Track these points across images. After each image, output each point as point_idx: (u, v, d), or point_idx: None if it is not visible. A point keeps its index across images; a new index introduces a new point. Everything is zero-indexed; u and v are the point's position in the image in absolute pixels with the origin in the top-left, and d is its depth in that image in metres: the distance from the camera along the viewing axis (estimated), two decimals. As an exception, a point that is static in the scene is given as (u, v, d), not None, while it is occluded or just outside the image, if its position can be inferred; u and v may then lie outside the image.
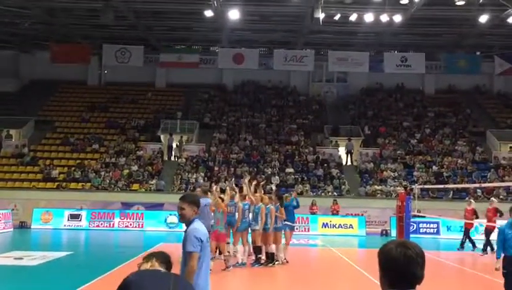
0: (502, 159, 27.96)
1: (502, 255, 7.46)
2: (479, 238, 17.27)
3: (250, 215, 12.62)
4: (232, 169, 26.62)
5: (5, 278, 10.98)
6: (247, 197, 12.61)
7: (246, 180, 13.46)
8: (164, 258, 3.61)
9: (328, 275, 12.31)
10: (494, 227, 15.84)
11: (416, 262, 2.27)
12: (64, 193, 24.69)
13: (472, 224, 16.88)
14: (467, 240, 16.82)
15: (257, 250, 12.54)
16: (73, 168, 26.51)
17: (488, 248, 15.49)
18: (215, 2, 23.26)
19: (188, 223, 4.67)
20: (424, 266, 2.28)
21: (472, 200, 17.97)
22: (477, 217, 16.71)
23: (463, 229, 17.30)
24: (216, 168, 26.70)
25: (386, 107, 33.15)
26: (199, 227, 4.63)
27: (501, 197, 25.18)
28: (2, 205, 21.71)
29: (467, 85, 34.08)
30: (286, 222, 13.28)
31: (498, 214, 16.03)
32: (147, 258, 3.65)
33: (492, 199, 18.22)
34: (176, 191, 23.99)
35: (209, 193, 12.25)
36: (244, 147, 28.82)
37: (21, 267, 12.02)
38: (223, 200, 11.84)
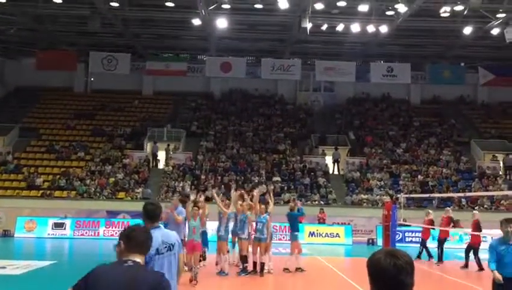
0: (486, 169, 28.31)
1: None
2: (433, 246, 17.16)
3: (232, 223, 12.77)
4: (219, 177, 26.56)
5: (-14, 288, 10.77)
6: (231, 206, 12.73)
7: (233, 190, 13.51)
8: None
9: (315, 284, 12.29)
10: (446, 236, 16.35)
11: (405, 271, 2.27)
12: (49, 201, 24.36)
13: (446, 233, 16.54)
14: (424, 249, 16.64)
15: (243, 259, 12.50)
16: (58, 176, 26.21)
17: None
18: (203, 11, 23.31)
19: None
20: (413, 274, 2.29)
21: (449, 208, 17.89)
22: (454, 226, 16.55)
23: (437, 239, 16.82)
24: (203, 177, 26.61)
25: (372, 116, 33.43)
26: None
27: (485, 206, 25.49)
28: (-15, 213, 21.35)
29: (451, 95, 34.55)
30: (296, 233, 13.44)
31: (451, 224, 16.14)
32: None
33: (448, 208, 17.98)
34: (162, 200, 23.82)
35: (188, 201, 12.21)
36: (231, 155, 28.79)
37: (4, 277, 11.81)
38: (199, 208, 11.72)
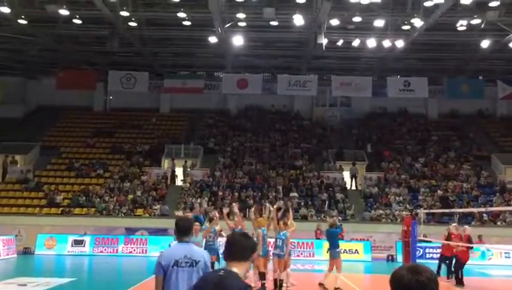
0: (508, 183, 27.80)
1: None
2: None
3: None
4: (237, 193, 26.57)
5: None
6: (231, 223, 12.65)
7: (235, 209, 13.37)
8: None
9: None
10: (467, 257, 14.87)
11: (430, 287, 2.25)
12: (69, 219, 24.64)
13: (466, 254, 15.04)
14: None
15: (261, 276, 12.41)
16: (77, 194, 26.51)
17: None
18: (219, 29, 23.60)
19: None
20: (437, 289, 2.27)
21: (467, 226, 16.47)
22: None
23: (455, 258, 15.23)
24: (220, 193, 26.65)
25: (390, 131, 33.21)
26: (166, 251, 5.06)
27: (507, 221, 24.99)
28: (6, 231, 21.66)
29: (470, 109, 34.18)
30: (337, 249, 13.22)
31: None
32: None
33: (466, 226, 16.55)
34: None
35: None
36: (248, 171, 28.81)
37: (24, 294, 11.92)
38: (201, 223, 11.86)
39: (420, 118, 34.54)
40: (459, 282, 14.14)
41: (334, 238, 13.37)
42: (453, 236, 15.43)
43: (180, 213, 14.21)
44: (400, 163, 29.94)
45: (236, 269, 3.13)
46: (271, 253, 12.60)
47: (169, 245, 21.66)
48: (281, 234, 12.37)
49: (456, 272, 14.48)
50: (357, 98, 33.25)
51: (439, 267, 15.53)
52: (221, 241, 13.68)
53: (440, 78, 32.81)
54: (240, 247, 3.21)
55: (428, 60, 30.62)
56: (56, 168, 29.29)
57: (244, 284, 3.08)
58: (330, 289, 12.79)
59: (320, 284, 12.79)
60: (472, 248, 14.59)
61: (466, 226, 16.18)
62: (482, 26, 22.73)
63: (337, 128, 33.95)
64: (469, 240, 15.16)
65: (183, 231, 4.85)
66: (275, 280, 12.31)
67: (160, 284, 4.61)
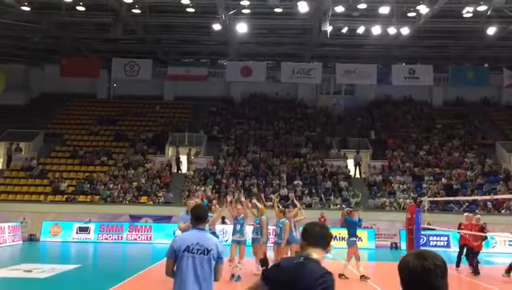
0: (512, 171, 27.72)
1: None
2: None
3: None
4: (240, 181, 26.60)
5: (14, 291, 10.98)
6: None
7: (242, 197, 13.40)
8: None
9: (339, 289, 12.17)
10: (479, 246, 14.63)
11: (435, 273, 2.22)
12: (73, 206, 24.75)
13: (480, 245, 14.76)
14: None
15: (262, 262, 12.42)
16: (82, 181, 26.60)
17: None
18: (223, 16, 23.45)
19: None
20: (445, 276, 2.24)
21: (479, 216, 15.93)
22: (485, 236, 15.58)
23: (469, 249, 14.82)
24: (224, 181, 26.69)
25: (394, 119, 33.09)
26: (180, 235, 5.09)
27: (512, 209, 24.97)
28: (11, 218, 21.79)
29: (475, 97, 33.99)
30: (353, 238, 13.19)
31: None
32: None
33: (478, 216, 15.87)
34: (184, 204, 23.95)
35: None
36: (252, 159, 28.82)
37: (30, 280, 12.03)
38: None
39: (425, 105, 34.38)
40: (475, 271, 14.05)
41: (349, 227, 13.43)
42: (462, 226, 15.42)
43: (194, 201, 14.15)
44: (404, 151, 29.87)
45: (316, 255, 3.16)
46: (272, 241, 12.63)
47: (174, 232, 21.81)
48: (280, 222, 12.40)
49: (471, 261, 14.41)
50: (362, 86, 33.12)
51: (459, 258, 15.11)
52: (225, 229, 13.70)
53: (445, 65, 32.62)
54: (320, 235, 3.27)
55: (433, 48, 30.40)
56: (60, 156, 29.36)
57: (325, 270, 3.08)
58: (350, 278, 12.59)
59: (341, 275, 12.54)
60: (486, 238, 14.50)
61: (478, 215, 15.97)
62: (488, 13, 22.53)
63: (341, 116, 33.85)
64: (481, 229, 14.87)
65: (198, 218, 4.89)
66: None
67: (170, 266, 4.70)
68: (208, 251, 4.64)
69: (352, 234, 13.31)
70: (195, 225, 4.85)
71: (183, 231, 10.34)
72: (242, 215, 12.19)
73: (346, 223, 13.72)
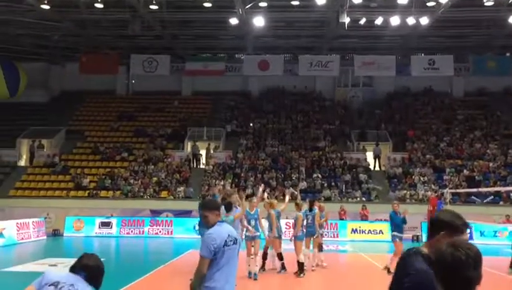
0: (536, 162, 27.19)
1: None
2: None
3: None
4: (259, 175, 26.65)
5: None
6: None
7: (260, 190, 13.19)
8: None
9: (361, 281, 12.16)
10: None
11: (467, 264, 2.17)
12: (95, 201, 25.11)
13: None
14: None
15: (279, 256, 12.38)
16: (103, 177, 26.95)
17: None
18: (240, 10, 23.42)
19: (210, 227, 4.79)
20: (477, 266, 2.19)
21: None
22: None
23: None
24: (243, 175, 26.77)
25: (414, 111, 32.71)
26: (214, 231, 4.66)
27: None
28: (36, 214, 22.21)
29: (497, 87, 33.35)
30: (394, 233, 12.83)
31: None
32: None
33: None
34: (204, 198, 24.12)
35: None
36: (271, 153, 28.82)
37: (56, 274, 12.22)
38: None
39: (445, 96, 33.89)
40: None
41: (391, 222, 13.10)
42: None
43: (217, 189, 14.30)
44: (425, 143, 29.53)
45: (426, 249, 2.86)
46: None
47: (194, 227, 21.99)
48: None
49: None
50: (380, 77, 32.78)
51: None
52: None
53: (466, 55, 32.06)
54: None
55: (453, 37, 29.89)
56: (81, 152, 29.79)
57: (425, 267, 2.69)
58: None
59: (386, 268, 12.26)
60: None
61: None
62: (510, 1, 22.04)
63: (359, 108, 33.58)
64: None
65: (217, 209, 4.98)
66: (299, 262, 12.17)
67: (207, 265, 4.57)
68: (237, 240, 4.78)
69: (393, 229, 12.97)
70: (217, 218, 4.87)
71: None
72: (256, 209, 12.07)
73: (392, 217, 13.14)
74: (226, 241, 4.65)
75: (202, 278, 4.53)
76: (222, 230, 4.73)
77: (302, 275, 12.00)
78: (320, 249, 13.80)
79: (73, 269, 3.83)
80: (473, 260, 2.19)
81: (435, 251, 2.29)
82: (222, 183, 25.57)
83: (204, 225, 4.92)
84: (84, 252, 4.02)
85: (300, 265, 12.04)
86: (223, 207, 11.12)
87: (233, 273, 4.75)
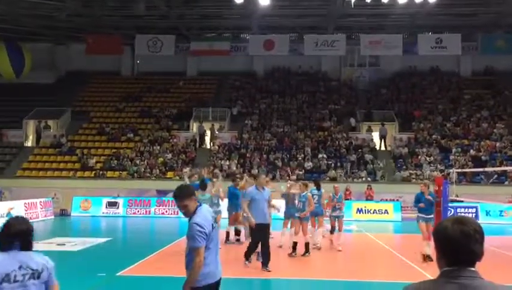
0: (543, 142, 27.02)
1: None
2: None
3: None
4: (265, 156, 26.68)
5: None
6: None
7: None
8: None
9: (367, 260, 12.24)
10: None
11: (474, 238, 2.20)
12: (102, 181, 25.28)
13: None
14: None
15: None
16: (109, 157, 27.08)
17: None
18: (245, -12, 23.15)
19: (192, 214, 4.47)
20: (482, 242, 2.22)
21: None
22: None
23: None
24: (248, 155, 26.81)
25: (421, 90, 32.47)
26: (201, 219, 4.42)
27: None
28: (43, 194, 22.41)
29: (505, 66, 32.94)
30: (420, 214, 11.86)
31: None
32: None
33: None
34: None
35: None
36: (276, 133, 28.80)
37: (64, 252, 12.43)
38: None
39: (452, 76, 33.57)
40: None
41: (417, 203, 12.07)
42: None
43: (187, 170, 14.56)
44: (431, 123, 29.38)
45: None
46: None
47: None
48: (302, 196, 12.42)
49: None
50: (387, 57, 32.47)
51: None
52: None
53: (474, 34, 31.61)
54: None
55: (461, 16, 29.44)
56: (88, 133, 29.89)
57: None
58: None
59: (423, 256, 11.47)
60: None
61: None
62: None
63: (365, 88, 33.36)
64: None
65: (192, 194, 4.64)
66: (306, 243, 12.18)
67: (203, 254, 4.40)
68: (215, 219, 4.78)
69: (420, 210, 11.90)
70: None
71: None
72: (305, 193, 12.28)
73: (416, 198, 12.18)
74: (212, 224, 4.56)
75: (201, 268, 4.37)
76: (207, 214, 4.58)
77: (307, 254, 12.09)
78: (333, 230, 13.74)
79: (6, 243, 3.42)
80: (479, 234, 2.23)
81: (440, 227, 2.29)
82: (228, 163, 25.66)
83: (185, 215, 4.52)
84: (10, 217, 3.63)
85: (307, 245, 12.13)
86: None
87: (218, 251, 4.69)
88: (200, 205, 4.60)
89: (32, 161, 27.42)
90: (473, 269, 2.20)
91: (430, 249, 10.85)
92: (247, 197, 10.28)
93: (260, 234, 9.95)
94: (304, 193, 12.37)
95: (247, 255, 10.44)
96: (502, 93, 31.69)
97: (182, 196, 4.51)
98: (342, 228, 13.66)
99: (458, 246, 2.20)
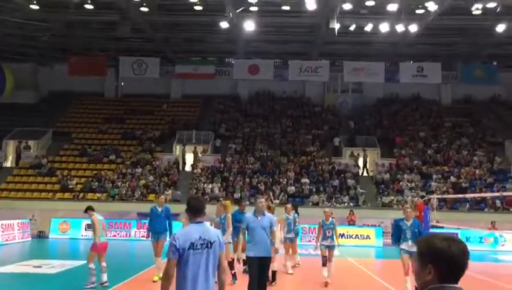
0: (522, 170, 27.51)
1: None
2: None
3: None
4: (248, 179, 26.61)
5: (24, 286, 11.06)
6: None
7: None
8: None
9: (348, 286, 12.17)
10: None
11: (462, 254, 2.30)
12: (82, 203, 24.72)
13: None
14: None
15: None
16: (90, 179, 26.72)
17: None
18: (230, 14, 23.45)
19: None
20: (468, 256, 2.33)
21: None
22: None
23: None
24: (231, 179, 26.71)
25: (402, 117, 32.95)
26: (180, 234, 4.48)
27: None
28: (21, 215, 21.90)
29: (483, 95, 33.76)
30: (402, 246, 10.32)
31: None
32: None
33: None
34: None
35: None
36: (260, 157, 28.82)
37: (40, 275, 12.12)
38: None
39: (433, 104, 34.22)
40: None
41: (396, 231, 10.66)
42: None
43: (162, 197, 14.30)
44: (412, 149, 29.75)
45: None
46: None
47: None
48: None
49: None
50: (369, 84, 33.01)
51: None
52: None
53: (454, 63, 32.43)
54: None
55: (442, 45, 30.23)
56: (69, 154, 29.52)
57: None
58: None
59: None
60: None
61: None
62: (498, 10, 22.34)
63: (348, 114, 33.75)
64: None
65: (195, 211, 4.63)
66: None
67: (173, 268, 4.39)
68: (211, 243, 4.49)
69: (395, 239, 10.40)
70: (193, 219, 4.61)
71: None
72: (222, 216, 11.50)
73: (394, 226, 10.77)
74: (193, 243, 4.41)
75: (169, 280, 4.42)
76: (192, 231, 4.50)
77: (274, 283, 11.09)
78: (325, 262, 12.02)
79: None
80: (466, 251, 2.32)
81: (427, 244, 2.32)
82: (210, 187, 25.49)
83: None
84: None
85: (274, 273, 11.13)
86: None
87: (200, 278, 4.39)
88: (198, 223, 4.60)
89: (11, 182, 26.91)
90: (458, 286, 2.28)
91: (411, 286, 9.53)
92: (244, 224, 8.67)
93: (254, 269, 8.11)
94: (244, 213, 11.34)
95: None
96: (480, 122, 32.33)
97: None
98: (332, 259, 12.10)
99: (462, 264, 2.29)
